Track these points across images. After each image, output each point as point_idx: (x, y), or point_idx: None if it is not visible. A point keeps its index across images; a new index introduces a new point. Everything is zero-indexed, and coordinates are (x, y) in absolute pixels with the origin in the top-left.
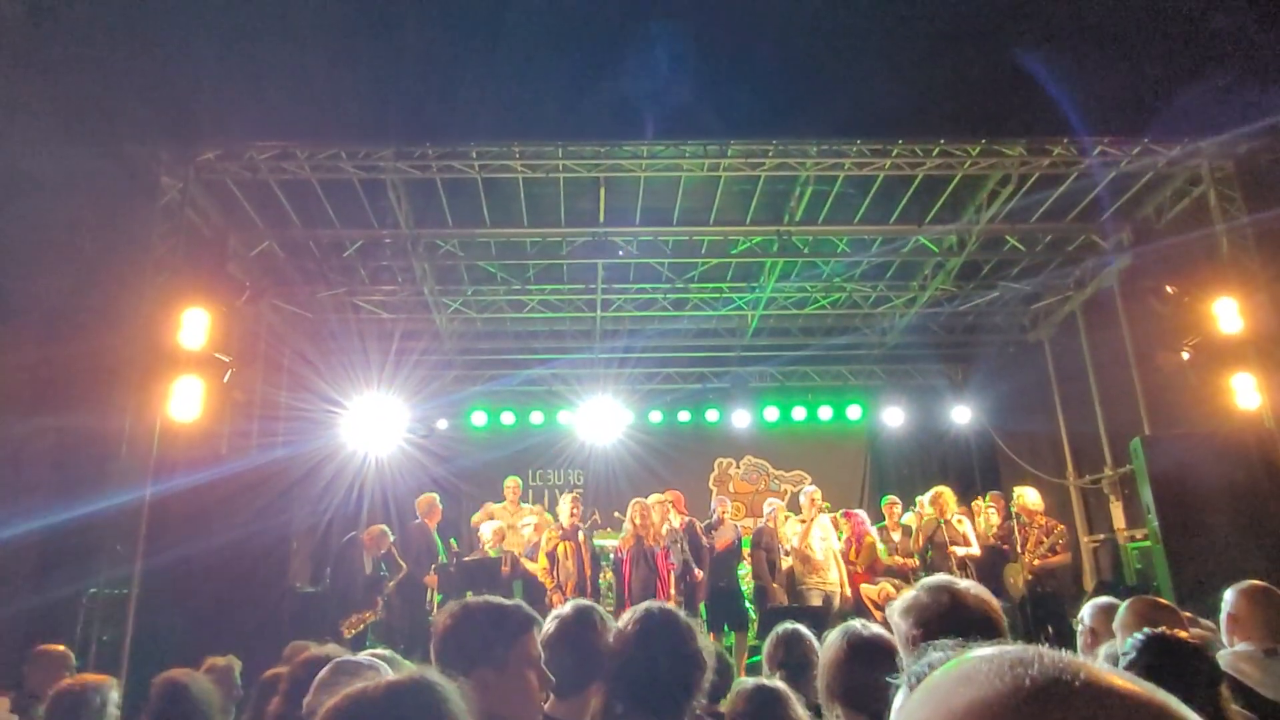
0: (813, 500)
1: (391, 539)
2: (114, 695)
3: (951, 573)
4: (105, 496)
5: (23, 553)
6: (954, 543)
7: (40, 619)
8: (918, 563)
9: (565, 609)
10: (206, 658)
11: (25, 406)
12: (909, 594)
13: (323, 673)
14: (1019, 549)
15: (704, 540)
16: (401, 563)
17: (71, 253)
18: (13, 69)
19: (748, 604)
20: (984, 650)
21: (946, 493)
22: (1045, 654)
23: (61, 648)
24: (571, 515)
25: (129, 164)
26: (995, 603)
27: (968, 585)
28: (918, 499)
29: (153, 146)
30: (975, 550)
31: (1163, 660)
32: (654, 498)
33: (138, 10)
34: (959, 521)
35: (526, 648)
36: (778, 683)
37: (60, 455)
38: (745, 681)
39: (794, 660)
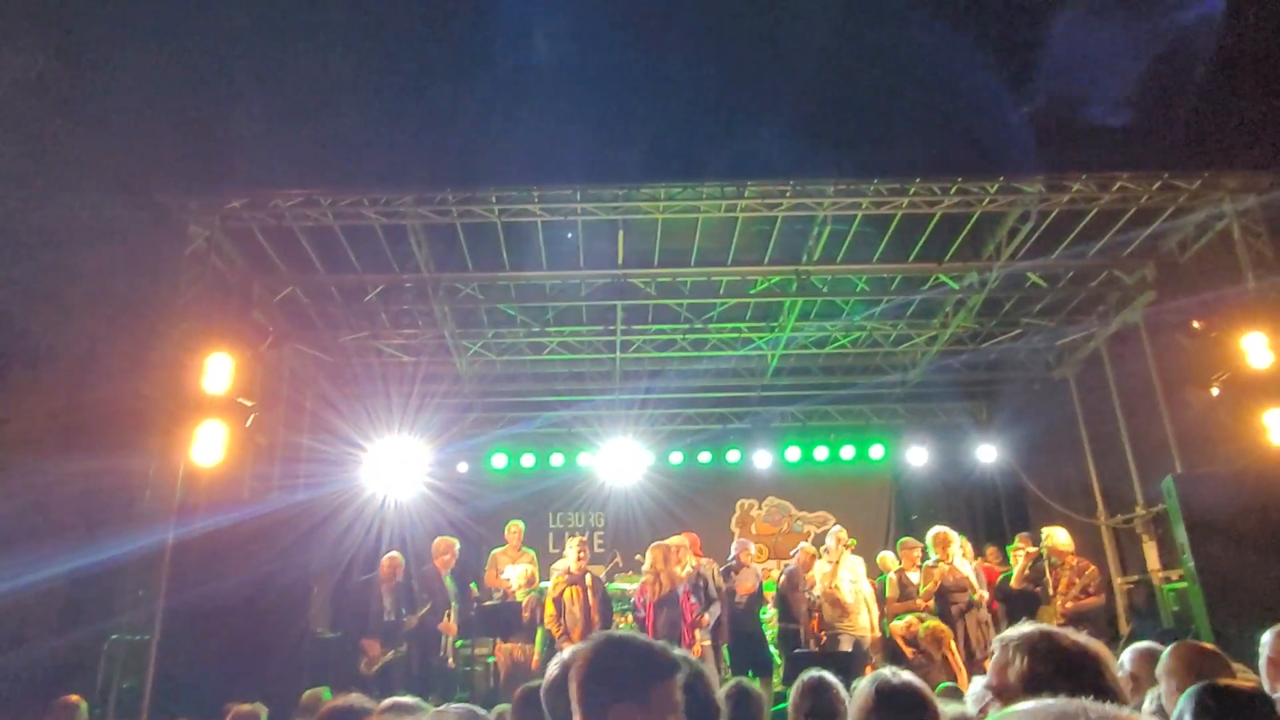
0: (839, 540)
1: (402, 566)
2: None
3: (952, 619)
4: (129, 540)
5: (48, 597)
6: (959, 588)
7: (63, 664)
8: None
9: (566, 655)
10: (231, 705)
11: (53, 450)
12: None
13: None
14: (1051, 591)
15: (717, 584)
16: (422, 596)
17: (101, 299)
18: (51, 121)
19: (772, 649)
20: (1027, 705)
21: (943, 534)
22: (1091, 708)
23: (75, 698)
24: (579, 559)
25: (159, 213)
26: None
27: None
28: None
29: (182, 196)
30: (981, 593)
31: (1221, 712)
32: (671, 540)
33: (170, 68)
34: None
35: (671, 690)
36: None
37: (86, 499)
38: None
39: (821, 710)
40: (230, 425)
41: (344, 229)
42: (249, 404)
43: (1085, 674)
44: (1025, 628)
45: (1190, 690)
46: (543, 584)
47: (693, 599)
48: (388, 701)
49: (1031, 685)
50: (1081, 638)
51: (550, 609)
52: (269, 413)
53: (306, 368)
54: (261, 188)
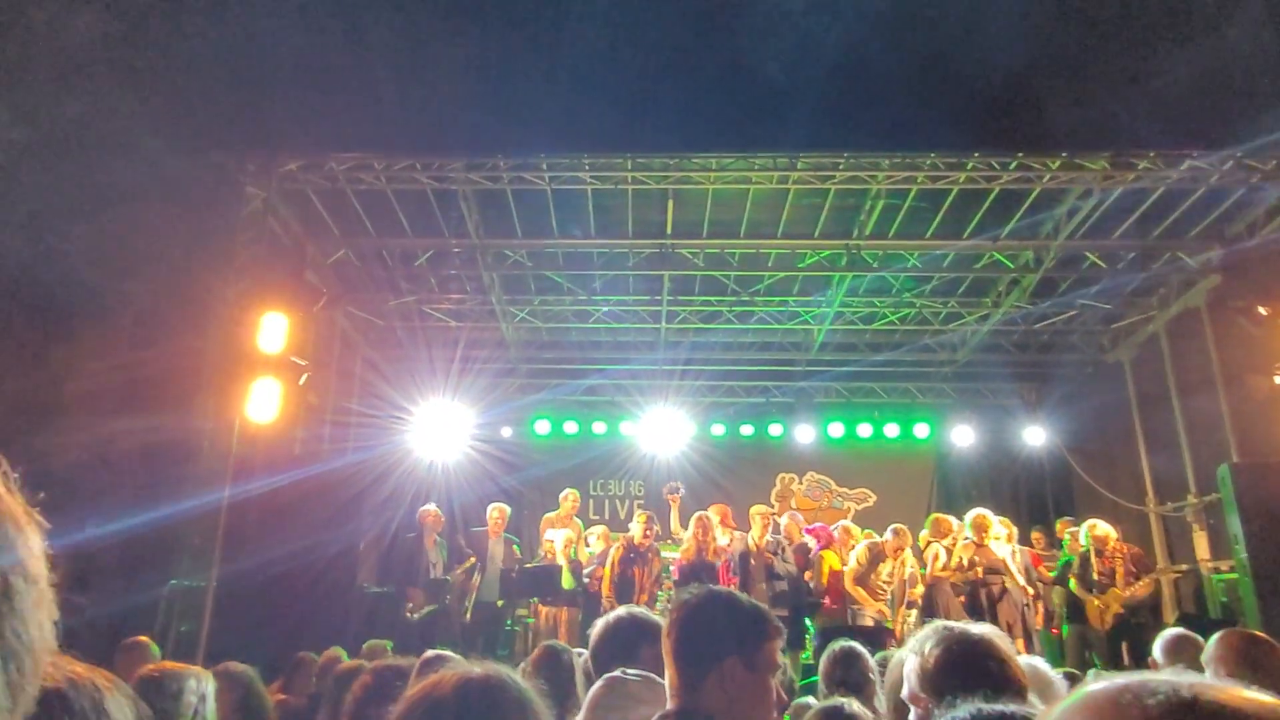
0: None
1: (444, 521)
2: (192, 684)
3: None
4: (187, 496)
5: (108, 551)
6: (992, 570)
7: (125, 607)
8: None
9: (613, 616)
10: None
11: (114, 406)
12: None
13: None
14: (1111, 580)
15: (786, 562)
16: (469, 550)
17: (160, 257)
18: (112, 81)
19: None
20: (1100, 684)
21: (981, 517)
22: (1160, 679)
23: (144, 639)
24: (645, 535)
25: (217, 173)
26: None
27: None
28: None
29: (239, 157)
30: (1018, 579)
31: None
32: (710, 510)
33: (226, 29)
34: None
35: (775, 650)
36: (853, 705)
37: (146, 454)
38: (809, 703)
39: (852, 679)
40: (284, 384)
41: (396, 193)
42: (302, 363)
43: (989, 668)
44: (933, 626)
45: None
46: (588, 549)
47: (731, 571)
48: (428, 653)
49: (938, 681)
50: (986, 630)
51: (609, 573)
52: (321, 373)
53: (355, 330)
54: (316, 150)
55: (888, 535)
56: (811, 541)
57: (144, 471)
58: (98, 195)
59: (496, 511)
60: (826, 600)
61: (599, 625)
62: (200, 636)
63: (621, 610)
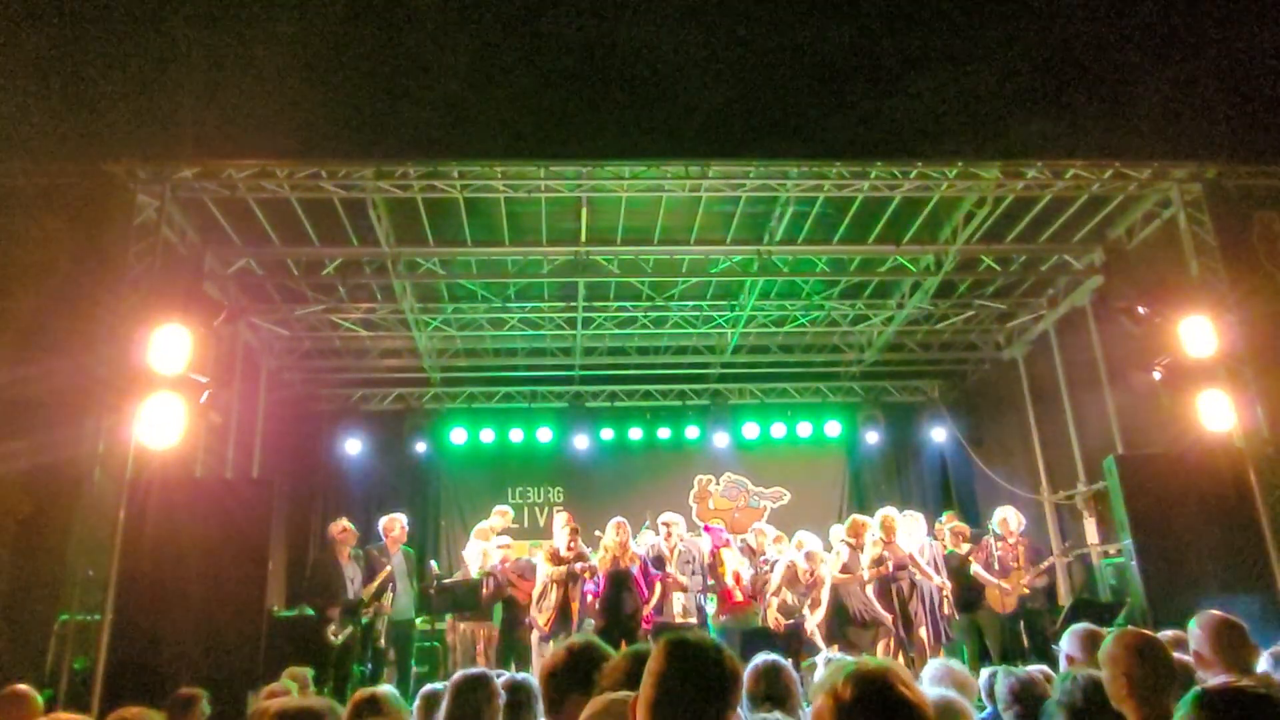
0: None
1: (356, 535)
2: None
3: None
4: (77, 520)
5: None
6: (900, 566)
7: (11, 648)
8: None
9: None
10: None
11: None
12: None
13: None
14: (1011, 566)
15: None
16: (382, 560)
17: (45, 269)
18: None
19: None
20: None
21: (886, 518)
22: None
23: (23, 689)
24: (569, 547)
25: (105, 181)
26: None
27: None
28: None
29: (129, 164)
30: (928, 573)
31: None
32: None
33: (115, 26)
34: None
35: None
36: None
37: (31, 478)
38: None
39: (777, 693)
40: (183, 402)
41: (301, 201)
42: (203, 380)
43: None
44: (838, 664)
45: (1194, 693)
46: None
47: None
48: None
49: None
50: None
51: (538, 589)
52: (223, 390)
53: (260, 342)
54: (210, 156)
55: (799, 558)
56: (707, 541)
57: (27, 498)
58: None
59: (396, 524)
60: (739, 599)
61: (557, 653)
62: (96, 676)
63: (579, 639)
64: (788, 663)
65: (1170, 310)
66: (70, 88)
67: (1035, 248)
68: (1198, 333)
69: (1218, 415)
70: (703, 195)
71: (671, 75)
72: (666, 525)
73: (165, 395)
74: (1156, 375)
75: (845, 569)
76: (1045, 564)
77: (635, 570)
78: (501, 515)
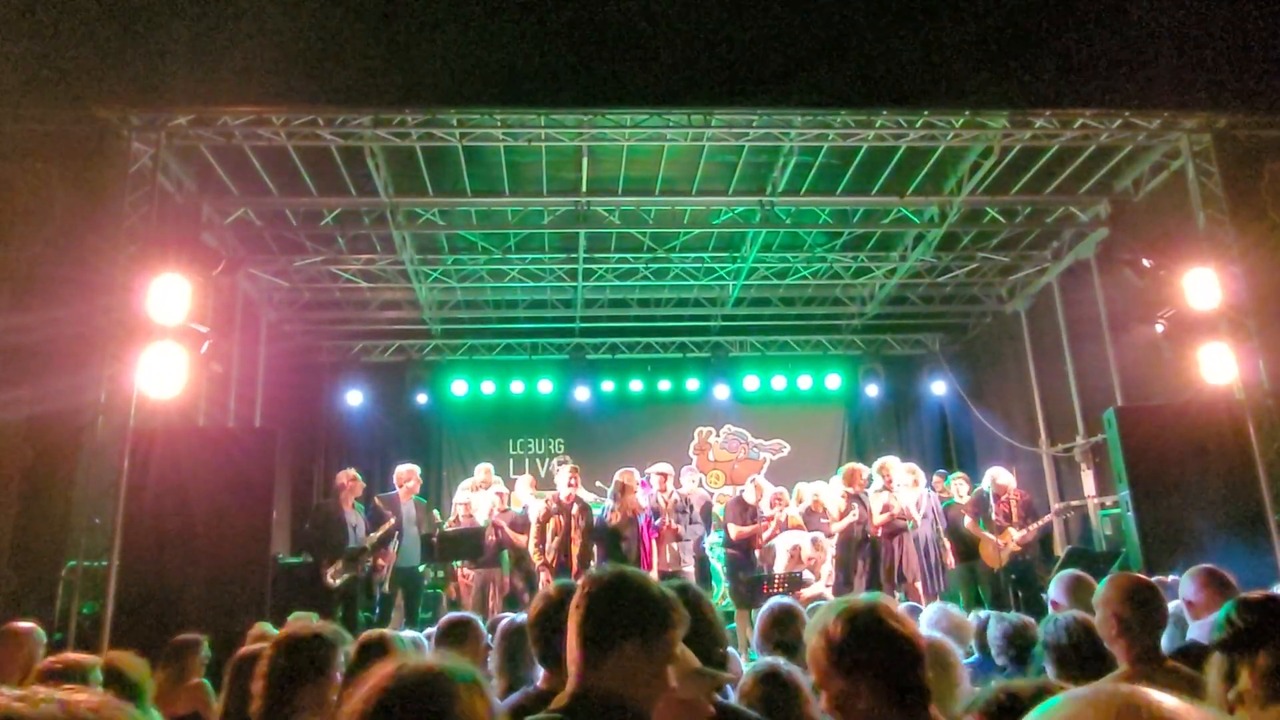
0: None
1: (363, 485)
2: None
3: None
4: (81, 469)
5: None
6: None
7: (20, 595)
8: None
9: (551, 590)
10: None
11: None
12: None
13: None
14: (1005, 520)
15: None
16: (387, 512)
17: (40, 218)
18: None
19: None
20: (1080, 691)
21: (884, 464)
22: (1143, 695)
23: (19, 625)
24: (569, 486)
25: (98, 129)
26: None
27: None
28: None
29: (122, 111)
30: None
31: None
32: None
33: None
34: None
35: (674, 640)
36: (789, 665)
37: (33, 428)
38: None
39: (789, 640)
40: (184, 352)
41: (298, 150)
42: (203, 330)
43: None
44: (828, 605)
45: (1233, 601)
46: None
47: (655, 525)
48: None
49: (847, 656)
50: (878, 598)
51: (534, 535)
52: (223, 339)
53: (260, 292)
54: (205, 103)
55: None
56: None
57: (29, 447)
58: None
59: (407, 472)
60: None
61: (546, 594)
62: (104, 619)
63: (558, 584)
64: (802, 610)
65: (1175, 263)
66: (60, 29)
67: (1041, 199)
68: (1201, 285)
69: (1219, 368)
70: (705, 144)
71: (674, 21)
72: (662, 475)
73: (166, 345)
74: (1159, 328)
75: (842, 516)
76: (1039, 523)
77: (641, 521)
78: (485, 473)
